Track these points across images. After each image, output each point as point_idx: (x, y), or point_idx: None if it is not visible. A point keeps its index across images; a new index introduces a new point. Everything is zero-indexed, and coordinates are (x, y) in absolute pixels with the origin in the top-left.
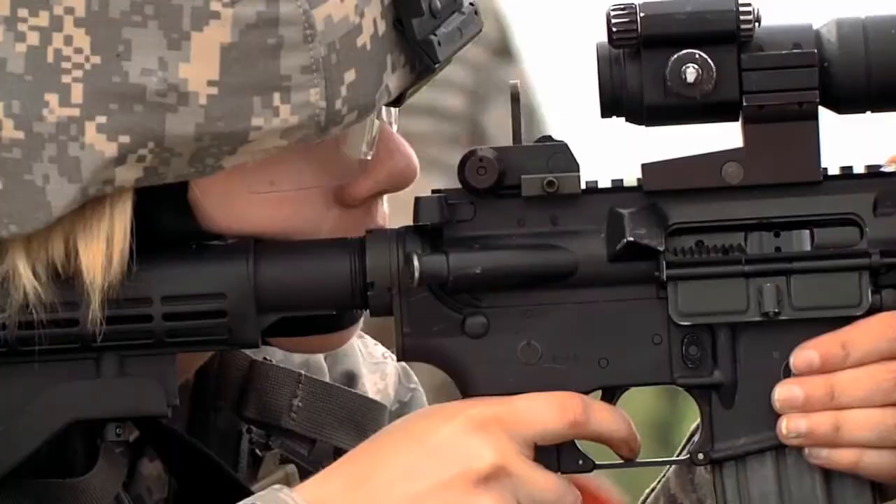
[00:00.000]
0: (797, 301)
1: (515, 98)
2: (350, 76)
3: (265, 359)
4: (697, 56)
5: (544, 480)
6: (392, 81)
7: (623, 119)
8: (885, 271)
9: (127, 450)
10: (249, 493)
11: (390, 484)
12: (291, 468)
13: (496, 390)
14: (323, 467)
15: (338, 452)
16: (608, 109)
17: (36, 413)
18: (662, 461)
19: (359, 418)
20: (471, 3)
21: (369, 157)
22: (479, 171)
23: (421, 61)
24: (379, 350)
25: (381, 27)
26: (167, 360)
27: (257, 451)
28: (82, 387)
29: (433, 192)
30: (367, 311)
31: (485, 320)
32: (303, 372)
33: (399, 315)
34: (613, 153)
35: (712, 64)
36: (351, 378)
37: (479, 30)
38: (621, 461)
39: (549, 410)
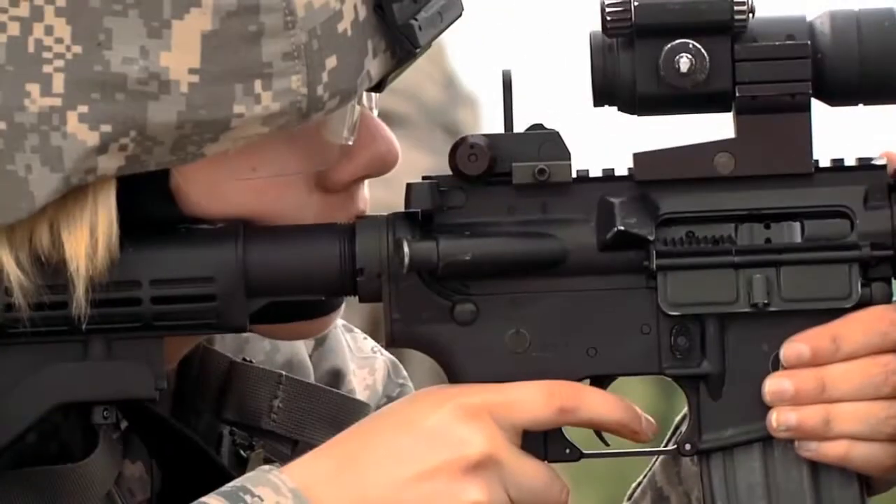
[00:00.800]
0: (786, 292)
1: (507, 85)
2: (331, 62)
3: (245, 359)
4: (691, 46)
5: (533, 469)
6: (373, 67)
7: (616, 108)
8: (875, 264)
9: (120, 442)
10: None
11: (378, 467)
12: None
13: (484, 378)
14: None
15: None
16: (601, 98)
17: (22, 395)
18: (649, 451)
19: (341, 418)
20: None
21: (351, 143)
22: (470, 158)
23: (402, 46)
24: (368, 344)
25: (362, 12)
26: (155, 344)
27: (241, 451)
28: (69, 369)
29: (424, 178)
30: (357, 297)
31: (474, 308)
32: (283, 372)
33: (388, 301)
34: (606, 143)
35: (706, 54)
36: (337, 375)
37: (459, 14)
38: (608, 450)
39: (538, 398)
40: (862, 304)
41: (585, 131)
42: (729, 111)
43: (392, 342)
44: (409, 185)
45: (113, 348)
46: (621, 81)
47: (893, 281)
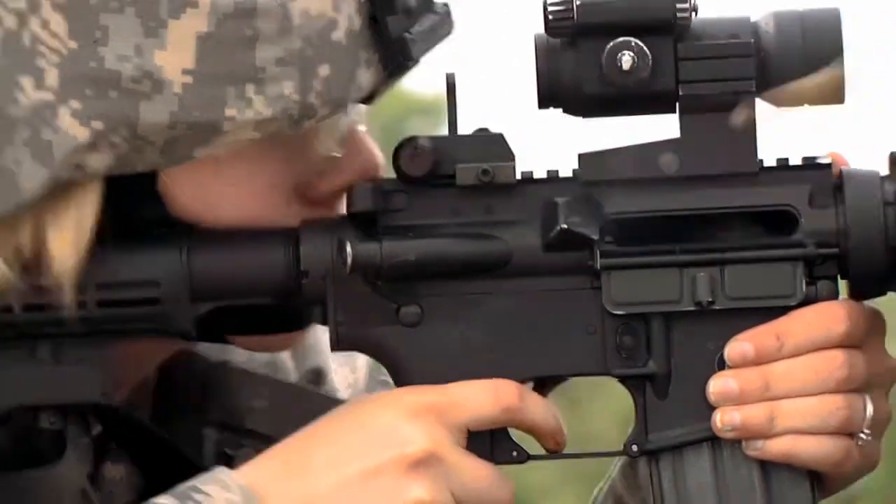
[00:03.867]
0: (731, 291)
1: (451, 88)
2: (324, 70)
3: (226, 362)
4: (633, 44)
5: (477, 468)
6: (365, 78)
7: (561, 111)
8: (821, 262)
9: (90, 447)
10: None
11: (324, 466)
12: None
13: (430, 380)
14: None
15: None
16: (546, 101)
17: None
18: (596, 454)
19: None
20: (444, 4)
21: (339, 154)
22: (412, 160)
23: (393, 59)
24: None
25: (357, 23)
26: (104, 347)
27: (227, 450)
28: (17, 374)
29: (366, 180)
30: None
31: (419, 310)
32: (264, 373)
33: (332, 304)
34: (552, 146)
35: (648, 52)
36: (318, 374)
37: (450, 30)
38: (554, 452)
39: (483, 396)
40: (808, 301)
41: (532, 135)
42: (673, 112)
43: (337, 345)
44: (350, 187)
45: (59, 353)
46: (566, 83)
47: (840, 280)
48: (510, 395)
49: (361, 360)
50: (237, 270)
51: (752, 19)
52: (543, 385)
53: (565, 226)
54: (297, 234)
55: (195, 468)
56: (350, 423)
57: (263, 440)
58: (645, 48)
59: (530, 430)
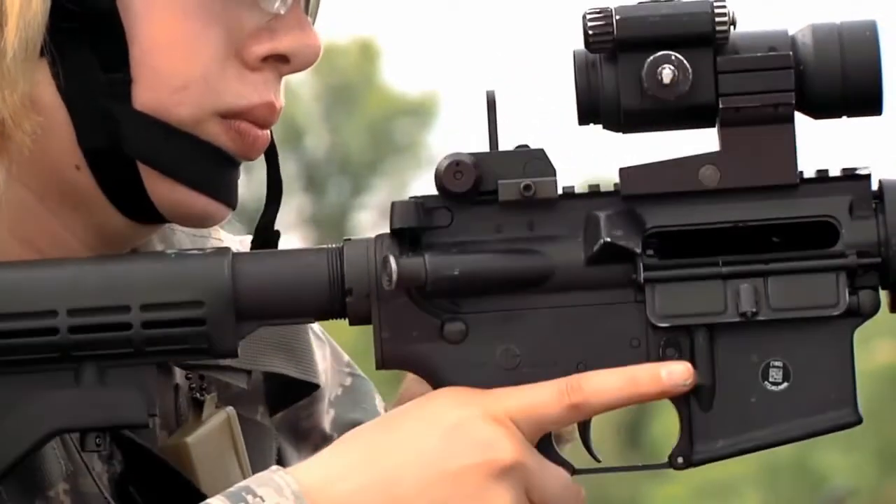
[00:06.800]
0: (774, 302)
1: (491, 105)
2: None
3: None
4: (673, 57)
5: (555, 475)
6: None
7: (601, 127)
8: (863, 273)
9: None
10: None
11: (404, 466)
12: (231, 410)
13: None
14: (261, 399)
15: (269, 379)
16: (586, 117)
17: (16, 424)
18: (642, 467)
19: (290, 342)
20: None
21: (282, 12)
22: (455, 176)
23: None
24: (318, 328)
25: None
26: (147, 371)
27: (197, 395)
28: (62, 397)
29: (410, 197)
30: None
31: (463, 326)
32: None
33: (377, 321)
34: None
35: (688, 65)
36: None
37: None
38: (600, 466)
39: (552, 397)
40: (850, 311)
41: (572, 151)
42: (713, 126)
43: (382, 363)
44: (393, 204)
45: (105, 375)
46: (605, 97)
47: (881, 290)
48: (572, 390)
49: (328, 350)
50: (282, 290)
51: (790, 33)
52: None
53: (608, 239)
54: (340, 252)
55: (192, 489)
56: (422, 422)
57: (234, 373)
58: (685, 61)
59: (611, 409)
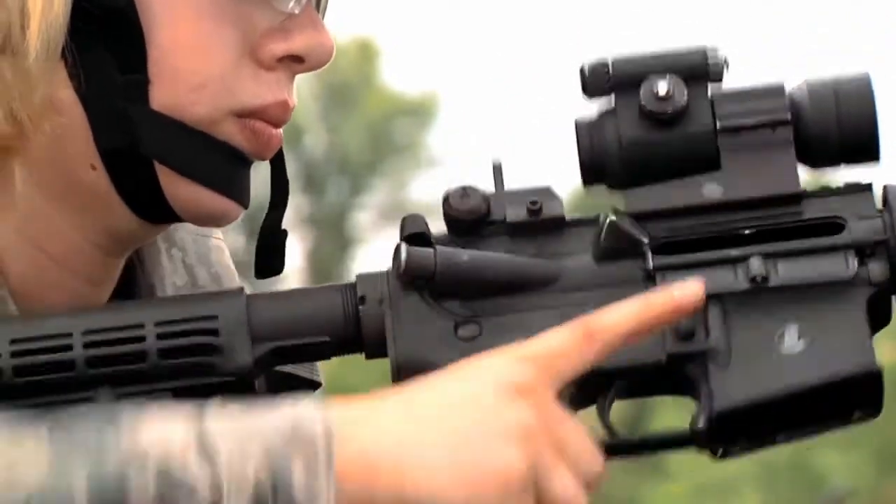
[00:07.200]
0: (784, 273)
1: (498, 174)
2: None
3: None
4: (668, 76)
5: (574, 426)
6: None
7: (605, 186)
8: (870, 252)
9: None
10: None
11: (423, 390)
12: None
13: None
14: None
15: (269, 376)
16: (590, 178)
17: None
18: (661, 438)
19: None
20: None
21: (296, 12)
22: (462, 199)
23: None
24: None
25: None
26: (162, 394)
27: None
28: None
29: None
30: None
31: (476, 326)
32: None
33: (391, 326)
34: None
35: (683, 83)
36: None
37: None
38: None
39: (563, 334)
40: (860, 280)
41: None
42: (717, 168)
43: (398, 371)
44: (404, 219)
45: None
46: (608, 150)
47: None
48: (588, 322)
49: None
50: (295, 309)
51: (786, 88)
52: (610, 382)
53: (613, 218)
54: (353, 286)
55: None
56: (449, 372)
57: None
58: (680, 79)
59: (629, 340)
